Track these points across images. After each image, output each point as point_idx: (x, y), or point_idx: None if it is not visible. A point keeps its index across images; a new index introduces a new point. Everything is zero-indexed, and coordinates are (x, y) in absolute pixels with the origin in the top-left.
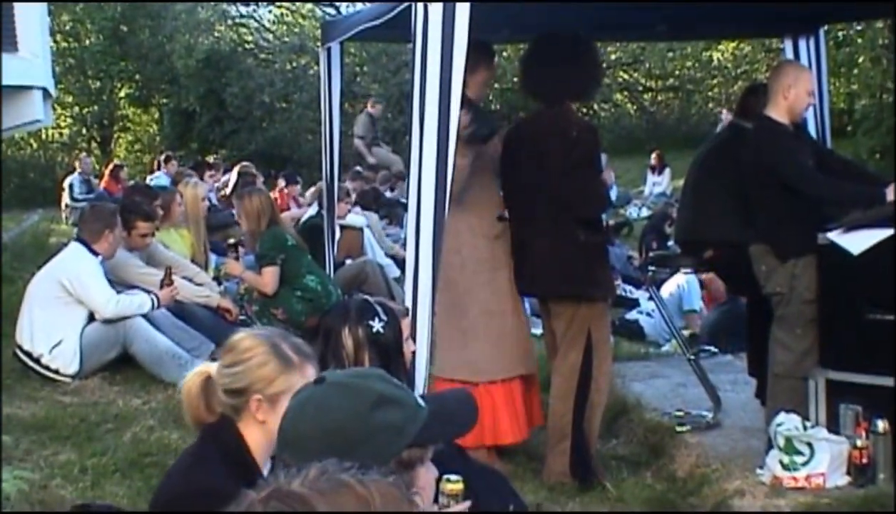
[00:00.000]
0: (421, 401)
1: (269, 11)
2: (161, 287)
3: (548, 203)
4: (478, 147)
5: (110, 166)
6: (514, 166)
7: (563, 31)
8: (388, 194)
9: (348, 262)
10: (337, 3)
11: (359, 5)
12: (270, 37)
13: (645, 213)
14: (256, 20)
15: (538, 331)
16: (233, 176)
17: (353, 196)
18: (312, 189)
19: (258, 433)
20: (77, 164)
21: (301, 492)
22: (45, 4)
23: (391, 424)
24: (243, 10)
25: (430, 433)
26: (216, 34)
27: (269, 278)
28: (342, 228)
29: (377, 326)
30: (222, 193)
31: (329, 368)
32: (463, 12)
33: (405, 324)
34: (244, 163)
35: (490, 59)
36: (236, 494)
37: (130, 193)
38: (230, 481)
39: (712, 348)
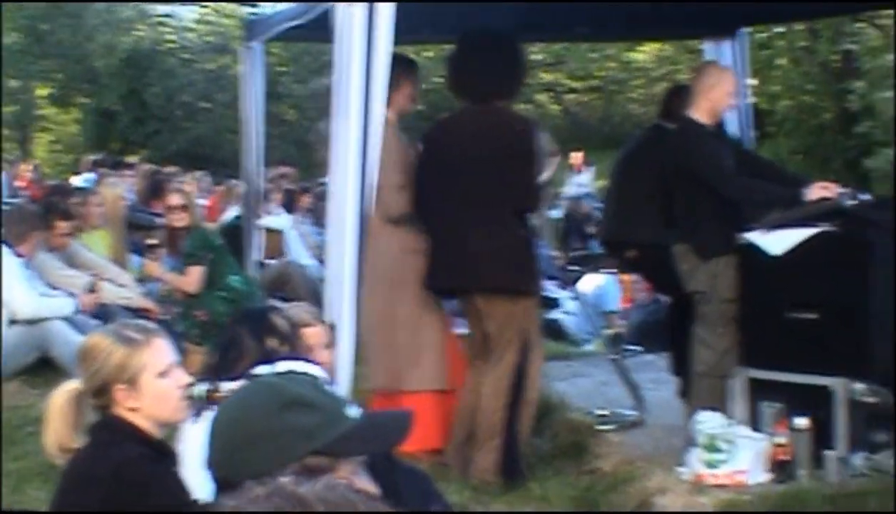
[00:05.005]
0: (351, 412)
1: (192, 11)
2: (85, 293)
3: (488, 199)
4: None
5: (29, 167)
6: (445, 164)
7: (488, 30)
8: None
9: (271, 263)
10: (259, 3)
11: (281, 5)
12: (192, 36)
13: (561, 212)
14: (178, 19)
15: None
16: (140, 180)
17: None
18: (223, 188)
19: (138, 420)
20: (7, 165)
21: (305, 496)
22: None
23: (300, 427)
24: (164, 9)
25: (349, 444)
26: (138, 33)
27: (193, 278)
28: (263, 229)
29: (273, 341)
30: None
31: (227, 377)
32: (385, 13)
33: (313, 332)
34: (149, 166)
35: (413, 72)
36: (159, 464)
37: (50, 193)
38: (148, 453)
39: (635, 347)
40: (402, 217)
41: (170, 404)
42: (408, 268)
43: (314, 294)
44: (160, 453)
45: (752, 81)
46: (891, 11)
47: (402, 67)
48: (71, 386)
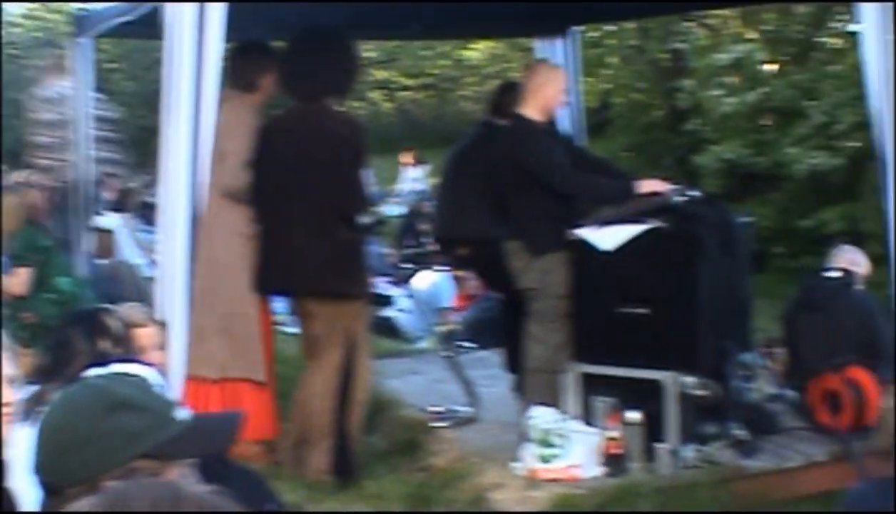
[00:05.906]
0: (180, 415)
1: (19, 6)
2: None
3: (311, 201)
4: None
5: None
6: (273, 163)
7: (320, 28)
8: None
9: (102, 262)
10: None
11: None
12: (19, 31)
13: (400, 210)
14: (4, 14)
15: (294, 329)
16: None
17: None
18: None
19: None
20: None
21: (198, 497)
22: None
23: (126, 430)
24: None
25: (178, 447)
26: None
27: (20, 279)
28: (95, 229)
29: (105, 343)
30: None
31: (57, 379)
32: (215, 12)
33: (145, 333)
34: None
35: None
36: None
37: None
38: None
39: (469, 344)
40: (242, 194)
41: None
42: (235, 251)
43: (144, 293)
44: None
45: (583, 79)
46: (718, 11)
47: (270, 55)
48: None
